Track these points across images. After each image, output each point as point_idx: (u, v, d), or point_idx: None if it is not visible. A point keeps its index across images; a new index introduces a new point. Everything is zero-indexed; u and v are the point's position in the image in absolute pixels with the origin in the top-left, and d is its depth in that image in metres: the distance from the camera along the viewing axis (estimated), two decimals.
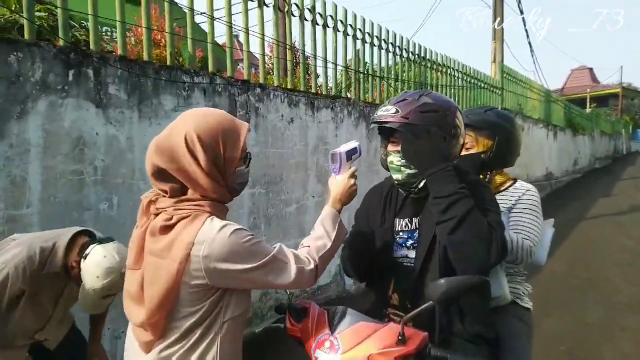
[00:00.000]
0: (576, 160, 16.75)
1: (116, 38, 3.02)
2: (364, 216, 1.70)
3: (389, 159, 1.55)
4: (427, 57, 6.40)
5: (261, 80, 3.88)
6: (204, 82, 3.35)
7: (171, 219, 1.19)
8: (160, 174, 1.23)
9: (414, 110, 1.46)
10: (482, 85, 8.19)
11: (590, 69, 38.58)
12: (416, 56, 6.13)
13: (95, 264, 1.69)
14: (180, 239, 1.16)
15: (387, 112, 1.48)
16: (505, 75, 9.36)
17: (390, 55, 5.62)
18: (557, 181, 13.45)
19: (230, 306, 1.26)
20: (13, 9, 2.63)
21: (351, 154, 1.53)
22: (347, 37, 4.81)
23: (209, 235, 1.16)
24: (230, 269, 1.18)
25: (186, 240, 1.16)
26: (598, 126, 21.60)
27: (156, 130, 3.05)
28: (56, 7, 2.73)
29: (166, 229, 1.19)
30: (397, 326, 1.25)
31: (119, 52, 2.94)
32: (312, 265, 1.31)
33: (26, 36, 2.49)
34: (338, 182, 1.48)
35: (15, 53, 2.38)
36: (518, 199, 1.88)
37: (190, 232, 1.16)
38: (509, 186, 1.96)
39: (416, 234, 1.53)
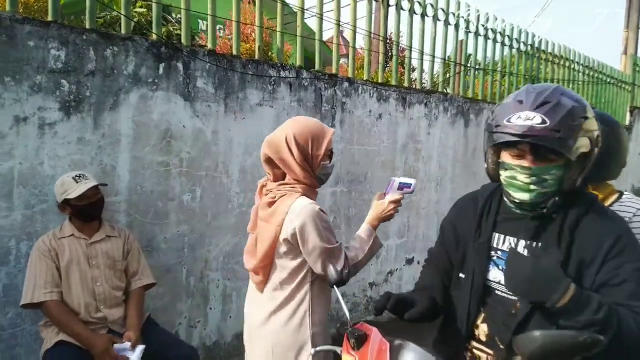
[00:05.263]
0: None
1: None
2: (452, 228, 1.46)
3: (509, 173, 1.24)
4: (542, 48, 5.71)
5: (349, 74, 3.71)
6: (290, 76, 3.27)
7: (275, 196, 1.65)
8: (268, 162, 1.68)
9: (563, 118, 1.14)
10: (609, 80, 7.15)
11: None
12: (529, 47, 5.49)
13: None
14: (279, 209, 1.61)
15: (530, 122, 1.15)
16: (638, 68, 8.08)
17: (498, 46, 5.10)
18: None
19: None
20: (114, 7, 2.78)
21: (403, 186, 1.79)
22: (449, 26, 4.44)
23: (298, 208, 1.58)
24: (307, 237, 1.57)
25: (283, 210, 1.60)
26: None
27: (240, 124, 3.05)
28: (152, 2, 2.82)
29: (271, 203, 1.65)
30: None
31: (209, 45, 2.97)
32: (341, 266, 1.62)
33: (122, 31, 2.60)
34: (380, 203, 1.80)
35: (110, 47, 2.50)
36: (629, 220, 1.48)
37: (286, 205, 1.60)
38: (613, 202, 1.58)
39: None
